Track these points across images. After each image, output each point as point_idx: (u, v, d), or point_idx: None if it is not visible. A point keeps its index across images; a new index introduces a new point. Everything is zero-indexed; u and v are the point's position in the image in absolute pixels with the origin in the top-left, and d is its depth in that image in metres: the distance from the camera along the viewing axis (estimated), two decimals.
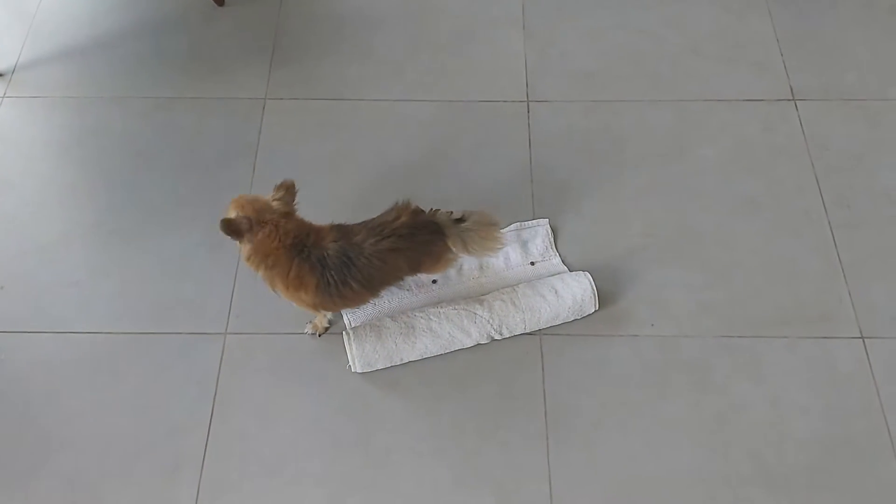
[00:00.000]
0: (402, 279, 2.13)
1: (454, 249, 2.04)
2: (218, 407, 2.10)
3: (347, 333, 2.13)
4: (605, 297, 2.25)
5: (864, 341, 2.20)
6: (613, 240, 2.38)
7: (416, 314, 2.16)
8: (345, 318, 2.22)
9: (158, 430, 2.06)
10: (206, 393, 2.12)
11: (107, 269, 2.34)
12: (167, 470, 2.01)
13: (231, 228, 1.89)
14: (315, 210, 2.43)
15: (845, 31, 2.85)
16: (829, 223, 2.41)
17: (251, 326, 2.23)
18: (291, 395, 2.12)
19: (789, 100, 2.68)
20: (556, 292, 2.17)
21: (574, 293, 2.17)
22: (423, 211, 2.04)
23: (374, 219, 2.03)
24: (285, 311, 2.25)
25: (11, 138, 2.61)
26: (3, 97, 2.70)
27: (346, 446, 2.04)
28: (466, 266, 2.30)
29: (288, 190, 1.96)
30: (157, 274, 2.32)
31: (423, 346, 2.12)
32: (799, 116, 2.64)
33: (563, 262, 2.32)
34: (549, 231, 2.36)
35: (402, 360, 2.13)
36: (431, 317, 2.14)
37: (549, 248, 2.34)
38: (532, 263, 2.30)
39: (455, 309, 2.15)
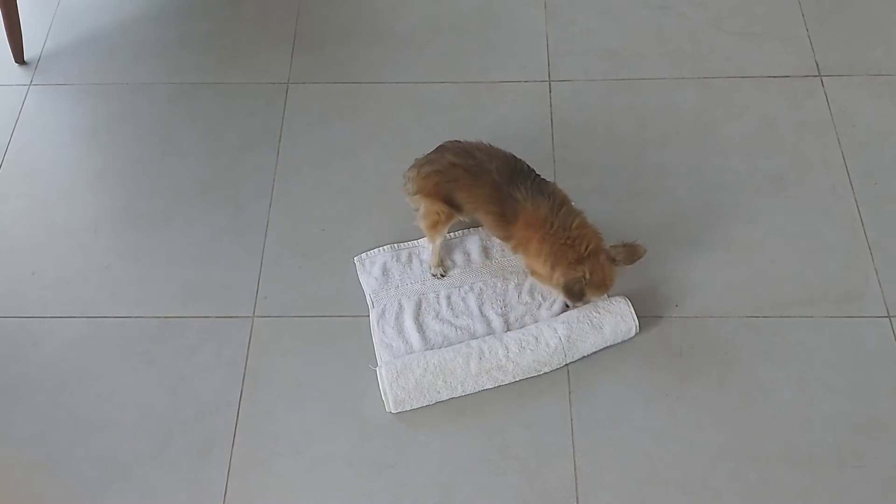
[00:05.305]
0: None
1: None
2: (247, 388, 2.13)
3: (380, 372, 2.08)
4: (629, 278, 2.25)
5: (890, 320, 2.18)
6: (637, 220, 2.37)
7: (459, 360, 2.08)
8: (377, 354, 2.16)
9: (189, 412, 2.10)
10: (236, 375, 2.15)
11: (136, 253, 2.37)
12: (198, 450, 2.05)
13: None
14: (338, 194, 2.46)
15: (872, 6, 2.80)
16: (856, 200, 2.39)
17: (279, 309, 2.25)
18: (319, 376, 2.15)
19: (815, 76, 2.65)
20: (600, 330, 2.12)
21: (616, 327, 2.14)
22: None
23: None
24: (312, 293, 2.28)
25: (39, 126, 2.65)
26: (29, 85, 2.73)
27: (372, 427, 2.07)
28: (496, 249, 2.32)
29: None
30: (185, 258, 2.35)
31: (460, 390, 2.09)
32: (825, 92, 2.61)
33: None
34: None
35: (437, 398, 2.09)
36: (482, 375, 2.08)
37: None
38: None
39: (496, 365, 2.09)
